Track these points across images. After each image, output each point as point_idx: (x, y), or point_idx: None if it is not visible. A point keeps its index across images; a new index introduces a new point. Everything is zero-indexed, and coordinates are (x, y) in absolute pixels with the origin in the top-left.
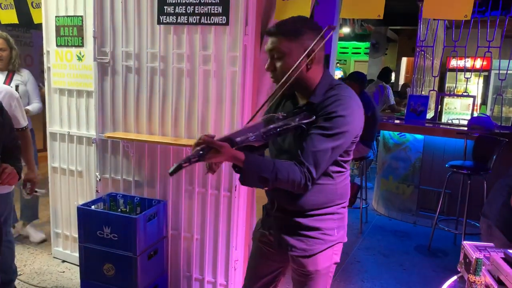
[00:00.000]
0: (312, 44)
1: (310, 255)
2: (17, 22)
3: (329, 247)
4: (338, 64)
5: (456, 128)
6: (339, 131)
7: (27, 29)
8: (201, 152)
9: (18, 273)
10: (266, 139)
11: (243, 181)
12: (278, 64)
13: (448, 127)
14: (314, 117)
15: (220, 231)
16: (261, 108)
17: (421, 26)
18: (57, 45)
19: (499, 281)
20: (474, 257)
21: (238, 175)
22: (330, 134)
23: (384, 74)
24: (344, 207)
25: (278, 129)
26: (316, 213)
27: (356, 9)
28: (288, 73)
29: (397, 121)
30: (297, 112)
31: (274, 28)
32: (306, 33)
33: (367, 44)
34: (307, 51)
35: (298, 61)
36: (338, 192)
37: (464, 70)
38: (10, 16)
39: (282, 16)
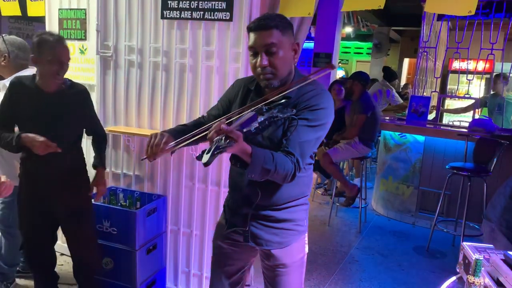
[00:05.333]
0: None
1: (284, 247)
2: (20, 14)
3: (301, 237)
4: (340, 64)
5: (457, 129)
6: (322, 123)
7: (29, 22)
8: (228, 141)
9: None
10: (261, 131)
11: (249, 175)
12: (273, 59)
13: (449, 128)
14: (295, 110)
15: None
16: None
17: (424, 27)
18: None
19: (498, 283)
20: (473, 258)
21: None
22: (314, 125)
23: (387, 73)
24: (308, 197)
25: (268, 121)
26: (289, 205)
27: (357, 1)
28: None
29: (398, 122)
30: (277, 105)
31: (266, 21)
32: (291, 28)
33: (370, 44)
34: (294, 44)
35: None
36: (307, 183)
37: (467, 72)
38: (13, 8)
39: (286, 12)
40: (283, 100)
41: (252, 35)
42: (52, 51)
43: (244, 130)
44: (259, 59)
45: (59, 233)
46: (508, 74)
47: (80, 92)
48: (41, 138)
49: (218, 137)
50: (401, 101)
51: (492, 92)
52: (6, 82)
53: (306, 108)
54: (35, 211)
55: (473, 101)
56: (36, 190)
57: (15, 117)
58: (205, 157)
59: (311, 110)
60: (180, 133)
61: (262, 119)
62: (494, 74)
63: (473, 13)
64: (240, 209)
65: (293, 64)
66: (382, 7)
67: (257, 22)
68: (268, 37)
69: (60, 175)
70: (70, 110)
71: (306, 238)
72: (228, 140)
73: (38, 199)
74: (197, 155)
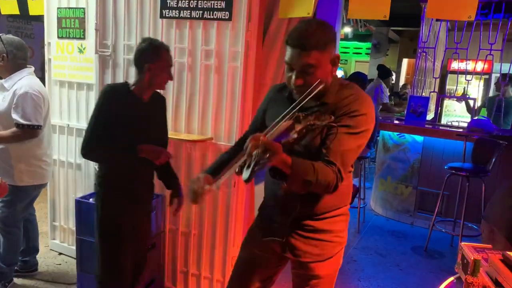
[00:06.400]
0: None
1: (322, 260)
2: (18, 13)
3: (339, 249)
4: (339, 64)
5: (456, 130)
6: (363, 129)
7: (28, 21)
8: (267, 155)
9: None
10: (299, 140)
11: (290, 187)
12: (309, 78)
13: (448, 128)
14: (333, 117)
15: (218, 227)
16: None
17: (423, 27)
18: (58, 37)
19: (496, 283)
20: (472, 258)
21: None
22: (355, 133)
23: (381, 71)
24: (348, 207)
25: (305, 129)
26: (329, 215)
27: (363, 10)
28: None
29: (396, 122)
30: (314, 111)
31: (307, 41)
32: (333, 42)
33: (369, 45)
34: (333, 58)
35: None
36: (347, 192)
37: (465, 72)
38: (11, 7)
39: (286, 13)
40: (320, 107)
41: (289, 50)
42: (168, 60)
43: (282, 141)
44: (294, 77)
45: (57, 232)
46: (506, 74)
47: (163, 100)
48: (160, 148)
49: (256, 151)
50: (387, 101)
51: (496, 93)
52: (4, 82)
53: (346, 115)
54: (129, 232)
55: (472, 101)
56: (130, 205)
57: (112, 126)
58: (245, 174)
59: (352, 116)
60: (222, 164)
61: (300, 127)
62: (498, 75)
63: (473, 18)
64: (277, 218)
65: (331, 76)
66: (387, 18)
67: (296, 40)
68: (306, 58)
69: (146, 188)
70: (160, 118)
71: (343, 250)
72: (268, 154)
73: (131, 217)
74: (236, 170)
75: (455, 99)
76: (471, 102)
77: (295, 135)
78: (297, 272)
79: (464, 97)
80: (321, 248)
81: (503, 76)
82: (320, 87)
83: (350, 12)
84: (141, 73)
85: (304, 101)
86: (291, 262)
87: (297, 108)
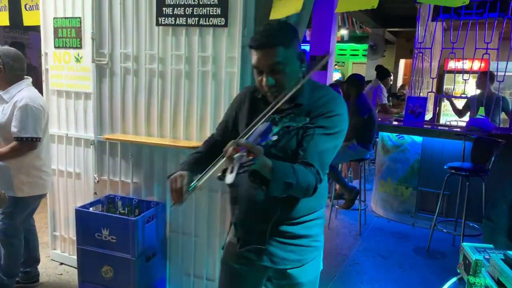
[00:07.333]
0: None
1: (301, 266)
2: (8, 24)
3: (318, 254)
4: (336, 66)
5: (455, 129)
6: (339, 130)
7: (25, 31)
8: (250, 158)
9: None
10: (277, 142)
11: (271, 191)
12: (280, 76)
13: (447, 128)
14: (308, 118)
15: (219, 231)
16: (263, 115)
17: (419, 27)
18: (55, 47)
19: (498, 283)
20: (473, 259)
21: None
22: (331, 133)
23: (379, 72)
24: (324, 210)
25: (282, 131)
26: (305, 219)
27: (351, 2)
28: (298, 83)
29: (395, 123)
30: (289, 113)
31: (269, 39)
32: (295, 38)
33: (365, 46)
34: (299, 53)
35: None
36: (324, 194)
37: (462, 72)
38: (2, 18)
39: (277, 15)
40: (294, 109)
41: (254, 54)
42: None
43: (263, 143)
44: (264, 79)
45: (57, 242)
46: (495, 72)
47: None
48: None
49: (238, 154)
50: (385, 101)
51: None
52: (3, 94)
53: (321, 115)
54: None
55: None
56: None
57: None
58: (229, 177)
59: (327, 117)
60: (197, 164)
61: (277, 129)
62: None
63: (467, 2)
64: (255, 226)
65: (301, 73)
66: (375, 7)
67: (259, 40)
68: (272, 57)
69: None
70: None
71: (321, 254)
72: (251, 157)
73: None
74: (219, 175)
75: (449, 98)
76: (456, 102)
77: (275, 137)
78: (279, 283)
79: (450, 96)
80: (299, 253)
81: (490, 74)
82: (302, 82)
83: (339, 6)
84: None
85: (283, 100)
86: (272, 272)
87: (272, 109)
